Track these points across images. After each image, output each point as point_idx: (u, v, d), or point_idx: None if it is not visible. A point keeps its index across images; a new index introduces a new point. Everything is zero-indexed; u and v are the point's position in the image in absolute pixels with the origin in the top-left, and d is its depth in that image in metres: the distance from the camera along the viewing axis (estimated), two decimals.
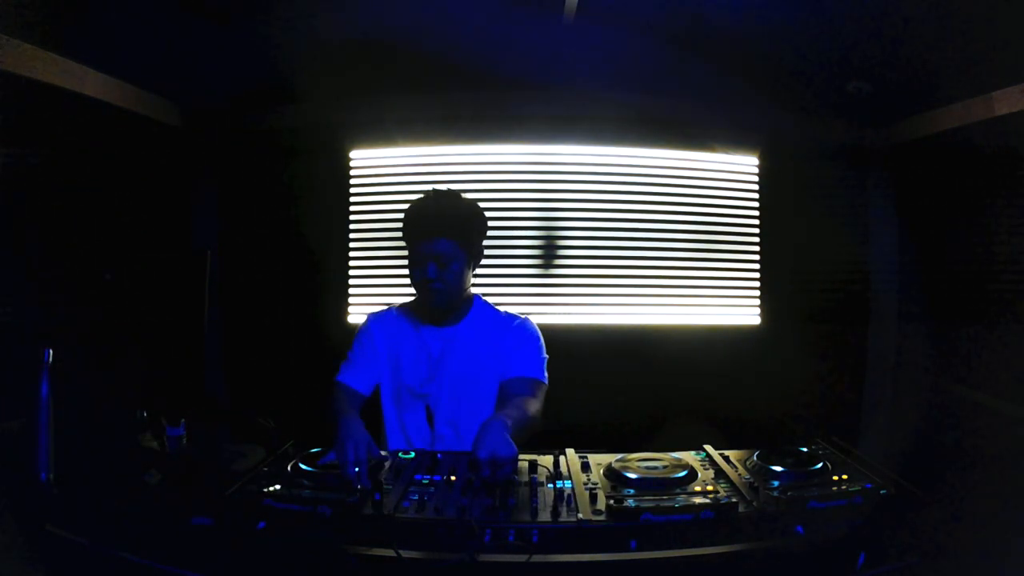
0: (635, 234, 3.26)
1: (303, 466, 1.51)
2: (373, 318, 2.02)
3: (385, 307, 2.07)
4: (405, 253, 1.89)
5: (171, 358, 1.71)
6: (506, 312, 2.03)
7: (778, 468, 1.51)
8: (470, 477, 1.44)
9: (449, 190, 1.94)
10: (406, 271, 1.88)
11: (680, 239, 3.28)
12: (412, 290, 1.92)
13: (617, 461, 1.54)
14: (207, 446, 1.71)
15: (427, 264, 1.79)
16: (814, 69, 2.82)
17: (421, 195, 1.92)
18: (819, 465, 1.52)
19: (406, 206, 1.91)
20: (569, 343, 2.93)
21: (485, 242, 1.96)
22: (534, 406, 1.80)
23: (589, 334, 3.20)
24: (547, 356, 1.96)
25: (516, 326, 1.96)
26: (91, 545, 1.29)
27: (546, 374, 1.94)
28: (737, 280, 3.33)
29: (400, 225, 1.89)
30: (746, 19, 2.35)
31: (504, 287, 3.19)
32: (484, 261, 2.00)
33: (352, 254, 3.29)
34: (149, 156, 3.12)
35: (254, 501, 1.34)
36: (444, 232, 1.79)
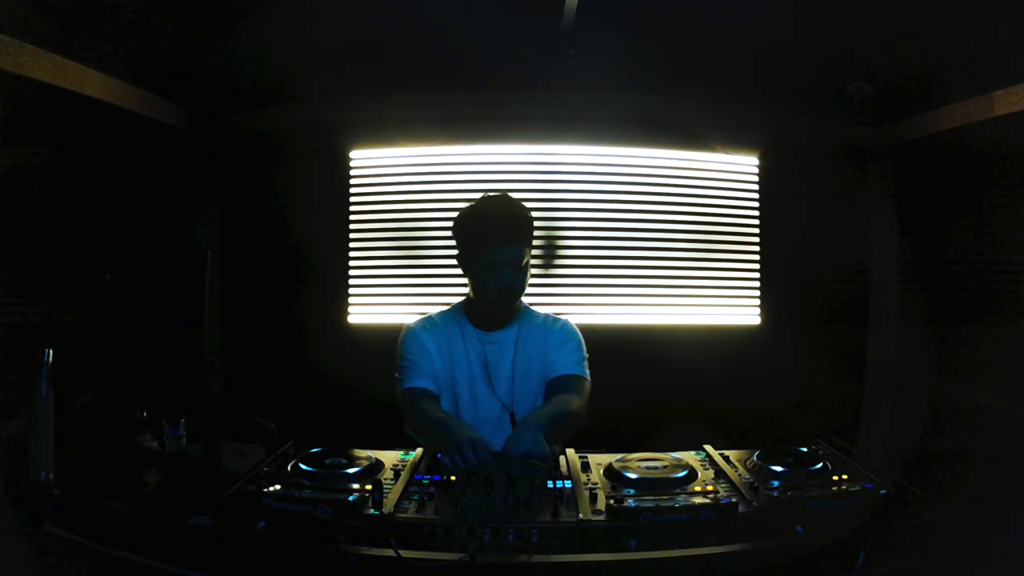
0: (635, 234, 3.26)
1: (303, 466, 1.51)
2: (418, 325, 2.00)
3: (422, 315, 2.06)
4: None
5: (171, 358, 1.71)
6: (548, 314, 2.06)
7: (778, 468, 1.51)
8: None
9: (505, 194, 1.98)
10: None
11: (680, 239, 3.28)
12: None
13: (617, 461, 1.54)
14: (207, 446, 1.71)
15: (503, 270, 1.81)
16: (814, 69, 2.82)
17: (478, 201, 1.94)
18: (819, 465, 1.52)
19: (463, 212, 1.93)
20: None
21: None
22: (575, 403, 1.83)
23: (589, 334, 3.17)
24: (587, 355, 2.00)
25: (559, 328, 2.01)
26: (91, 545, 1.29)
27: (587, 371, 1.97)
28: (737, 280, 3.33)
29: (459, 231, 1.91)
30: (746, 19, 2.35)
31: None
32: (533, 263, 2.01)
33: (352, 254, 3.29)
34: (150, 156, 3.12)
35: (254, 501, 1.34)
36: (516, 238, 1.82)
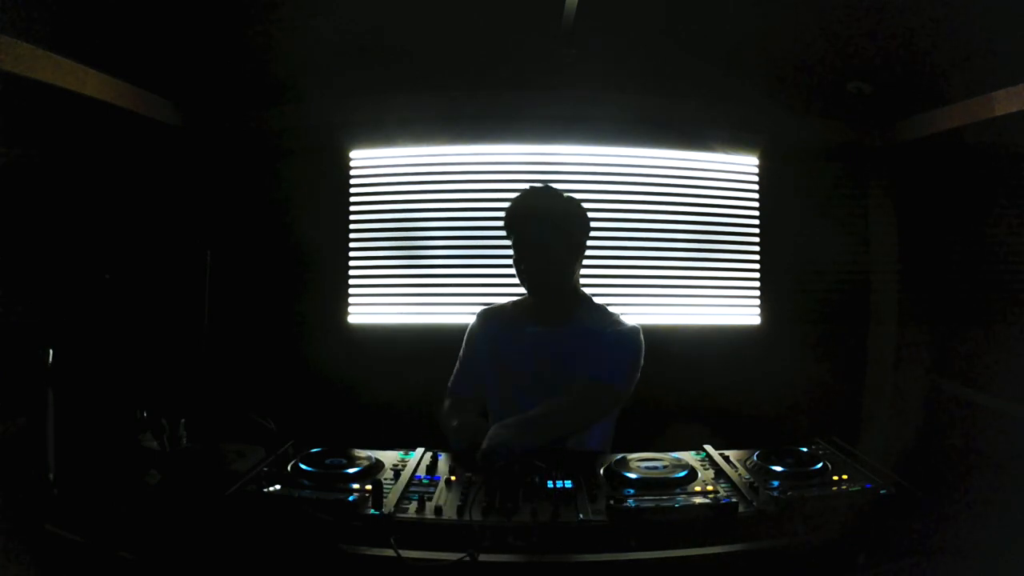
0: (635, 234, 3.26)
1: (303, 466, 1.51)
2: (481, 316, 2.07)
3: (489, 305, 2.13)
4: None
5: (171, 357, 1.71)
6: (611, 315, 2.01)
7: (778, 468, 1.51)
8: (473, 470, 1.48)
9: (548, 185, 2.03)
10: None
11: (680, 239, 3.28)
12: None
13: (617, 461, 1.54)
14: (207, 446, 1.71)
15: (526, 257, 1.88)
16: (814, 69, 2.82)
17: (527, 189, 2.01)
18: (819, 465, 1.52)
19: (510, 203, 1.98)
20: None
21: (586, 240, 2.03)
22: (579, 407, 1.82)
23: None
24: (639, 365, 1.93)
25: (609, 331, 1.93)
26: (91, 545, 1.29)
27: (624, 382, 1.91)
28: (737, 280, 3.33)
29: (505, 221, 1.97)
30: (746, 19, 2.35)
31: (504, 287, 3.18)
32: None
33: (352, 254, 3.29)
34: (149, 156, 3.12)
35: (254, 501, 1.34)
36: (535, 224, 1.88)
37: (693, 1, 2.27)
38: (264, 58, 2.69)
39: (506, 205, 1.99)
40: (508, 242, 1.99)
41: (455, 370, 2.04)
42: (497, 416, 1.95)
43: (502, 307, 2.09)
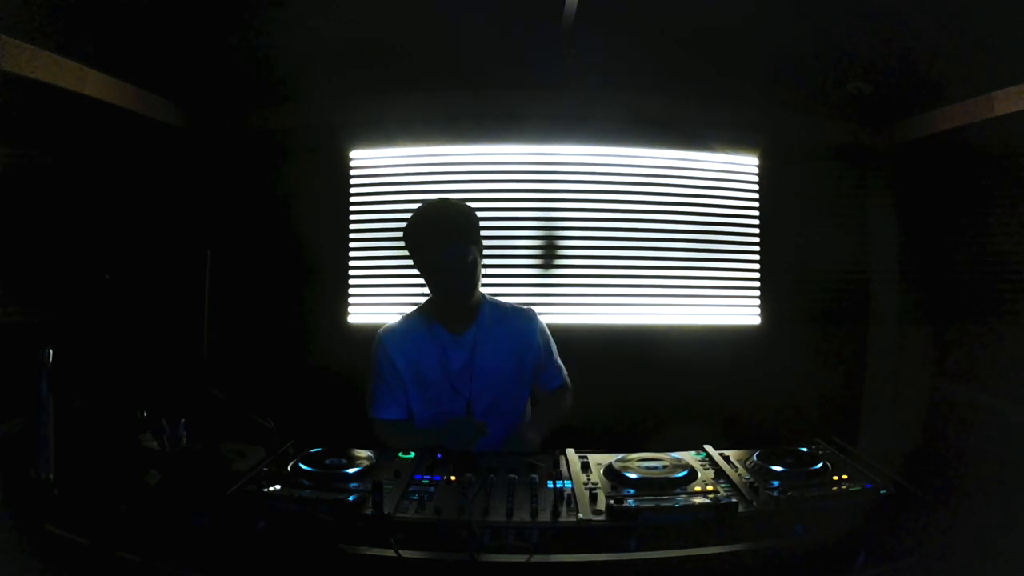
0: (635, 234, 3.26)
1: (303, 466, 1.51)
2: (387, 336, 2.04)
3: (391, 320, 2.10)
4: (406, 260, 1.98)
5: (171, 358, 1.71)
6: (510, 306, 2.13)
7: (778, 468, 1.51)
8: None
9: (443, 199, 2.06)
10: (411, 277, 1.92)
11: (680, 239, 3.28)
12: (409, 290, 1.94)
13: (617, 461, 1.54)
14: (207, 446, 1.71)
15: (448, 269, 1.90)
16: (814, 69, 2.82)
17: (420, 207, 2.02)
18: (819, 465, 1.52)
19: (408, 220, 1.99)
20: (569, 343, 2.91)
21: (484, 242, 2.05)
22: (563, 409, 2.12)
23: (589, 334, 3.20)
24: (555, 344, 2.17)
25: (527, 329, 2.09)
26: (91, 545, 1.29)
27: (563, 367, 2.18)
28: (737, 280, 3.33)
29: (406, 237, 1.98)
30: (746, 19, 2.35)
31: (505, 287, 3.18)
32: (485, 261, 2.04)
33: (352, 254, 3.29)
34: (150, 156, 3.12)
35: (254, 501, 1.34)
36: (455, 237, 1.90)
37: (693, 1, 2.27)
38: (264, 58, 2.69)
39: (403, 225, 2.00)
40: (411, 260, 2.00)
41: (375, 397, 1.99)
42: (418, 417, 2.00)
43: (406, 323, 2.06)
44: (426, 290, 2.04)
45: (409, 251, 2.00)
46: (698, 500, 1.34)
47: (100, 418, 1.67)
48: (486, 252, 2.06)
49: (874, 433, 3.13)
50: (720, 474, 1.51)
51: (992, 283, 3.16)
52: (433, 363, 1.99)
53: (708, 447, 1.68)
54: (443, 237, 1.90)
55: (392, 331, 2.05)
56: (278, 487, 1.38)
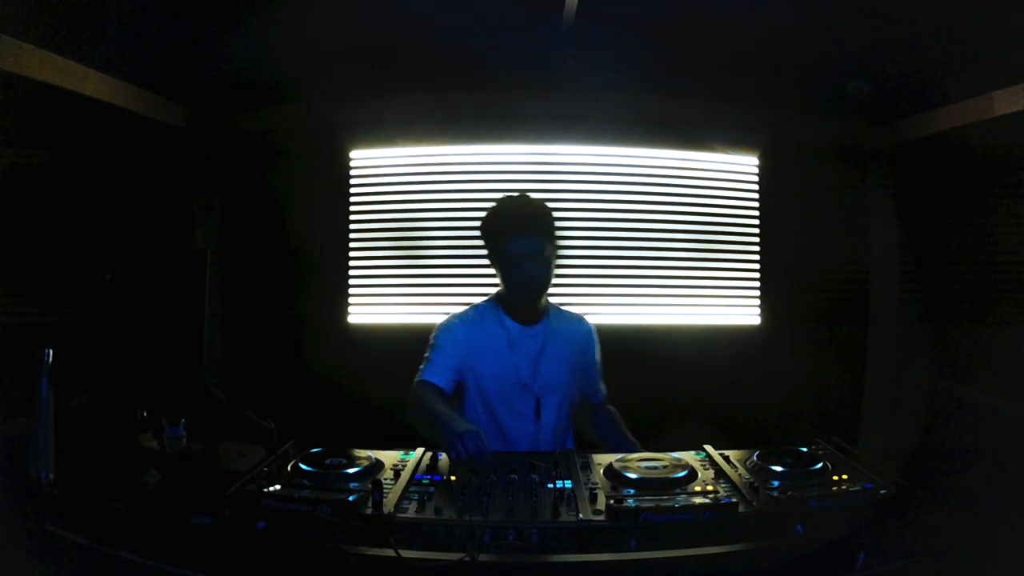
0: (635, 234, 3.26)
1: (303, 466, 1.51)
2: (456, 319, 2.07)
3: (463, 308, 2.12)
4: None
5: (171, 358, 1.71)
6: (569, 312, 2.21)
7: (778, 468, 1.51)
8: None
9: (524, 194, 2.09)
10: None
11: (680, 239, 3.28)
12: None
13: (617, 461, 1.54)
14: (207, 446, 1.71)
15: (525, 262, 1.91)
16: (814, 69, 2.82)
17: (500, 200, 2.05)
18: (819, 465, 1.52)
19: (489, 210, 2.03)
20: None
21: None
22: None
23: None
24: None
25: (585, 331, 2.16)
26: (91, 545, 1.29)
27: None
28: (737, 280, 3.33)
29: (483, 228, 2.01)
30: (746, 19, 2.35)
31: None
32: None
33: (352, 254, 3.29)
34: (150, 156, 3.12)
35: (254, 501, 1.34)
36: (534, 230, 1.92)
37: (693, 2, 2.27)
38: (264, 58, 2.69)
39: (483, 215, 2.03)
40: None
41: (426, 364, 1.98)
42: (472, 412, 2.00)
43: (474, 309, 2.09)
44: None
45: (486, 241, 2.02)
46: (698, 500, 1.34)
47: (100, 418, 1.67)
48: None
49: (874, 433, 3.14)
50: (720, 474, 1.52)
51: (992, 283, 3.15)
52: (502, 346, 2.00)
53: (708, 447, 1.68)
54: (523, 229, 1.92)
55: (461, 313, 2.08)
56: (278, 487, 1.38)
